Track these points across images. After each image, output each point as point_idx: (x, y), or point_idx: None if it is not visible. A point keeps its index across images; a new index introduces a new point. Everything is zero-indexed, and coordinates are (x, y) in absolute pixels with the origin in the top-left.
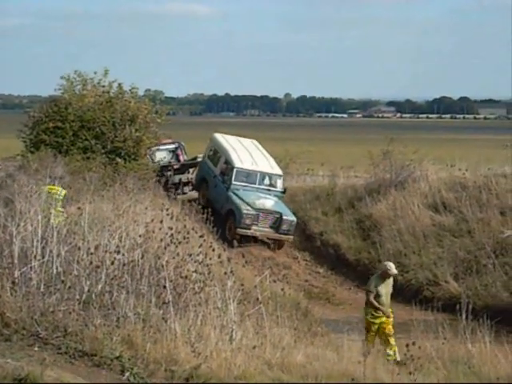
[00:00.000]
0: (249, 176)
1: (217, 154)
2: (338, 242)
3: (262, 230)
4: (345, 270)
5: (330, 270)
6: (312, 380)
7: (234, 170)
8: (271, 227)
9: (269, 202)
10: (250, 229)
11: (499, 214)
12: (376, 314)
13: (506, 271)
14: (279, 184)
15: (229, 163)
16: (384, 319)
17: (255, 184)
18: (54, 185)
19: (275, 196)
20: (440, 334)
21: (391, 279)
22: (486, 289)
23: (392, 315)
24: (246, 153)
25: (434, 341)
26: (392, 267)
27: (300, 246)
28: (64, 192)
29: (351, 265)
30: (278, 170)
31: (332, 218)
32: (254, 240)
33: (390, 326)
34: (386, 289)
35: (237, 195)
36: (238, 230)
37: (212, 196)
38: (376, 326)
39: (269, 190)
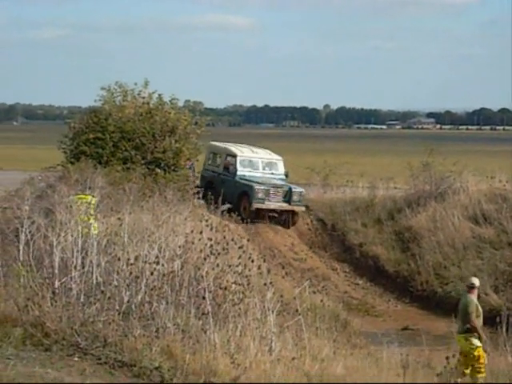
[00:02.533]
0: (251, 163)
1: (216, 155)
2: (378, 254)
3: (275, 203)
4: (384, 282)
5: (369, 282)
6: None
7: (237, 158)
8: (283, 200)
9: (276, 180)
10: (263, 203)
11: None
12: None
13: None
14: (280, 168)
15: (230, 155)
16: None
17: (258, 169)
18: (85, 194)
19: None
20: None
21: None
22: None
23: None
24: (244, 147)
25: None
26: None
27: (339, 257)
28: (94, 200)
29: (390, 277)
30: (277, 156)
31: (371, 230)
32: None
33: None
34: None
35: (245, 179)
36: (253, 204)
37: (222, 192)
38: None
39: (272, 173)
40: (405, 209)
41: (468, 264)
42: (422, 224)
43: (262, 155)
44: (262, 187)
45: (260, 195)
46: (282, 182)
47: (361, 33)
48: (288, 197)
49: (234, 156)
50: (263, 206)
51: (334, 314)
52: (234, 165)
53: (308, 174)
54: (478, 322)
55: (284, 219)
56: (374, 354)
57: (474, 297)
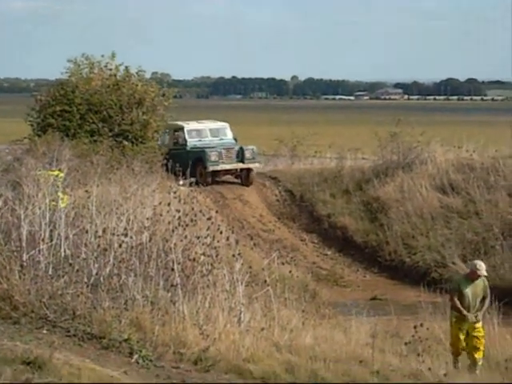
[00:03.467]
0: (199, 132)
1: (165, 134)
2: (346, 225)
3: (229, 164)
4: (352, 252)
5: (338, 253)
6: (320, 362)
7: (185, 129)
8: (237, 160)
9: (226, 141)
10: (218, 165)
11: (507, 195)
12: (461, 318)
13: None
14: (229, 134)
15: (178, 129)
16: (471, 325)
17: (207, 137)
18: (53, 170)
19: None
20: (448, 316)
21: (481, 281)
22: (493, 270)
23: (480, 324)
24: (190, 121)
25: (442, 322)
26: (482, 267)
27: (308, 228)
28: (61, 174)
29: (359, 247)
30: (223, 123)
31: (339, 201)
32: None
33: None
34: (470, 291)
35: (196, 147)
36: (209, 167)
37: (178, 166)
38: (464, 332)
39: (221, 139)
40: (373, 179)
41: (436, 234)
42: (390, 194)
43: (207, 124)
44: (214, 150)
45: (213, 158)
46: (233, 144)
47: (331, 5)
48: (241, 156)
49: (181, 128)
50: (218, 168)
51: (303, 285)
52: (183, 136)
53: (276, 146)
54: (465, 303)
55: (241, 178)
56: (343, 324)
57: (467, 278)
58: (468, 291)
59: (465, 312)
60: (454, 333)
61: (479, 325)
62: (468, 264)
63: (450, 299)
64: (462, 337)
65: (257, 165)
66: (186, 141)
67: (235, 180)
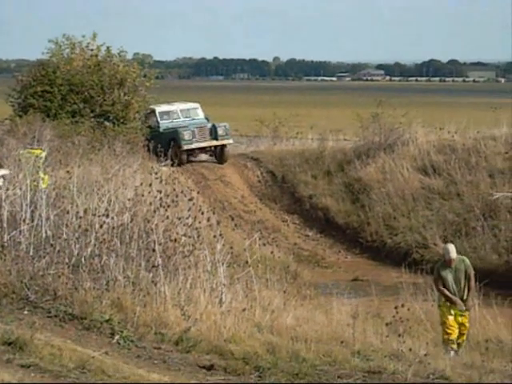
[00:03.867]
0: (170, 113)
1: (144, 121)
2: (328, 205)
3: (203, 141)
4: (334, 233)
5: (320, 233)
6: (302, 342)
7: (156, 111)
8: (210, 138)
9: (198, 121)
10: (192, 143)
11: (488, 176)
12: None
13: (494, 234)
14: (200, 114)
15: (150, 112)
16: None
17: (179, 118)
18: (35, 148)
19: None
20: (429, 297)
21: (461, 264)
22: (474, 251)
23: (467, 312)
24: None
25: (423, 303)
26: (448, 251)
27: (289, 209)
28: (43, 154)
29: (340, 228)
30: (194, 104)
31: (321, 182)
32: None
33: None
34: (451, 276)
35: (169, 128)
36: (183, 146)
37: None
38: (452, 318)
39: (193, 119)
40: (354, 160)
41: (417, 215)
42: (372, 175)
43: (178, 105)
44: (187, 129)
45: (187, 137)
46: (205, 122)
47: None
48: (214, 133)
49: (153, 111)
50: (192, 146)
51: (284, 266)
52: (156, 118)
53: (258, 127)
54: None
55: (215, 155)
56: (324, 305)
57: (443, 264)
58: (448, 277)
59: (454, 298)
60: (443, 310)
61: (467, 313)
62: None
63: (436, 288)
64: (453, 320)
65: (230, 141)
66: (158, 123)
67: (214, 160)
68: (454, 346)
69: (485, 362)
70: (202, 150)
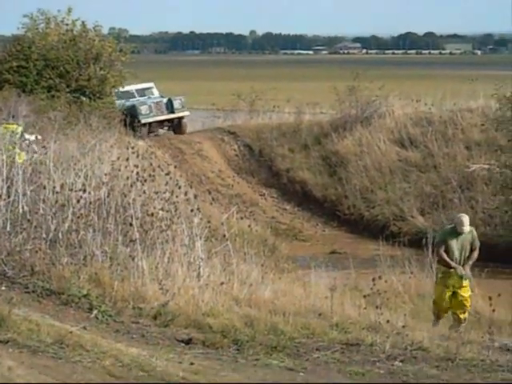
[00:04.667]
0: (126, 93)
1: None
2: (305, 179)
3: (160, 115)
4: (312, 207)
5: (297, 207)
6: (280, 315)
7: (113, 92)
8: (167, 111)
9: (154, 97)
10: (149, 117)
11: (465, 148)
12: (447, 272)
13: (471, 205)
14: (155, 93)
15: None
16: (459, 281)
17: (135, 98)
18: (11, 123)
19: None
20: (407, 269)
21: (469, 234)
22: (451, 223)
23: (467, 283)
24: None
25: (401, 275)
26: (463, 223)
27: (267, 182)
28: (19, 129)
29: (318, 201)
30: (149, 83)
31: (298, 155)
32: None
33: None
34: (458, 245)
35: (126, 105)
36: (142, 120)
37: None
38: (450, 289)
39: (149, 97)
40: (331, 133)
41: (394, 187)
42: (349, 148)
43: (134, 86)
44: (144, 104)
45: (144, 111)
46: (161, 97)
47: None
48: (170, 107)
49: (110, 92)
50: (150, 120)
51: (262, 239)
52: (114, 100)
53: (235, 101)
54: (451, 257)
55: (173, 128)
56: (302, 278)
57: (452, 231)
58: (454, 245)
59: (453, 264)
60: (438, 290)
61: (466, 283)
62: (454, 217)
63: (436, 253)
64: (447, 294)
65: (187, 113)
66: (113, 102)
67: (194, 137)
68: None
69: (462, 333)
70: (161, 124)
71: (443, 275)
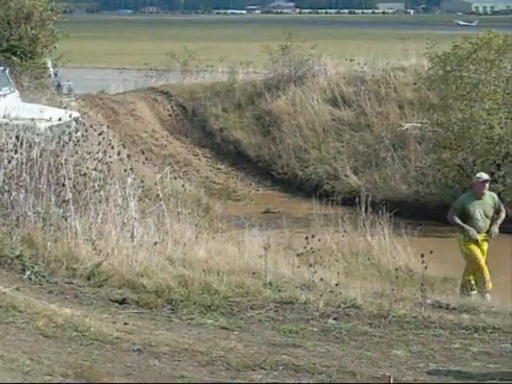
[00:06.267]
0: None
1: None
2: (239, 139)
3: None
4: (245, 166)
5: (231, 167)
6: (214, 275)
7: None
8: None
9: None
10: None
11: (397, 107)
12: (467, 237)
13: (404, 164)
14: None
15: None
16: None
17: None
18: None
19: None
20: (340, 228)
21: (491, 198)
22: (384, 182)
23: (485, 243)
24: None
25: (334, 234)
26: (481, 176)
27: (200, 142)
28: None
29: (252, 161)
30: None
31: (232, 115)
32: None
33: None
34: (478, 208)
35: None
36: None
37: None
38: (476, 252)
39: None
40: (265, 93)
41: (328, 146)
42: (282, 108)
43: None
44: None
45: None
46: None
47: None
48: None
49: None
50: None
51: (196, 199)
52: None
53: (168, 61)
54: (474, 224)
55: None
56: (236, 237)
57: (472, 194)
58: (476, 210)
59: (466, 227)
60: (469, 250)
61: (485, 247)
62: (473, 180)
63: (450, 219)
64: (478, 250)
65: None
66: None
67: (127, 97)
68: (474, 292)
69: (395, 290)
70: None
71: (466, 242)
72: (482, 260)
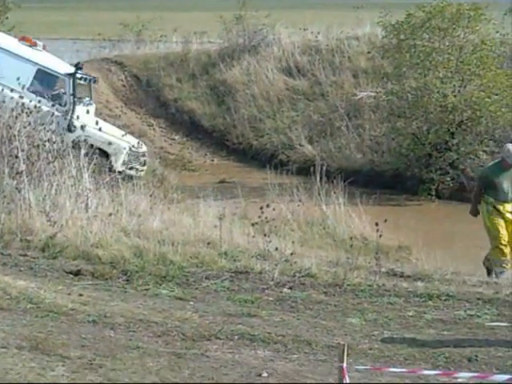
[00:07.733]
0: None
1: None
2: (193, 109)
3: None
4: (200, 137)
5: (186, 137)
6: (169, 245)
7: None
8: None
9: None
10: None
11: (352, 76)
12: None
13: (359, 133)
14: None
15: None
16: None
17: None
18: None
19: None
20: (295, 197)
21: None
22: (339, 151)
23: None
24: None
25: (290, 204)
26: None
27: (155, 113)
28: None
29: (206, 131)
30: None
31: (186, 85)
32: None
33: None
34: (507, 179)
35: None
36: None
37: None
38: (500, 227)
39: None
40: (219, 63)
41: (283, 116)
42: (237, 78)
43: None
44: None
45: None
46: None
47: None
48: None
49: None
50: None
51: (151, 170)
52: None
53: (121, 31)
54: (499, 196)
55: None
56: (191, 208)
57: (499, 166)
58: (503, 181)
59: (472, 207)
60: (492, 223)
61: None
62: (501, 149)
63: (474, 193)
64: (503, 225)
65: None
66: None
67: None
68: (509, 266)
69: (350, 259)
70: None
71: (489, 209)
72: (506, 237)
